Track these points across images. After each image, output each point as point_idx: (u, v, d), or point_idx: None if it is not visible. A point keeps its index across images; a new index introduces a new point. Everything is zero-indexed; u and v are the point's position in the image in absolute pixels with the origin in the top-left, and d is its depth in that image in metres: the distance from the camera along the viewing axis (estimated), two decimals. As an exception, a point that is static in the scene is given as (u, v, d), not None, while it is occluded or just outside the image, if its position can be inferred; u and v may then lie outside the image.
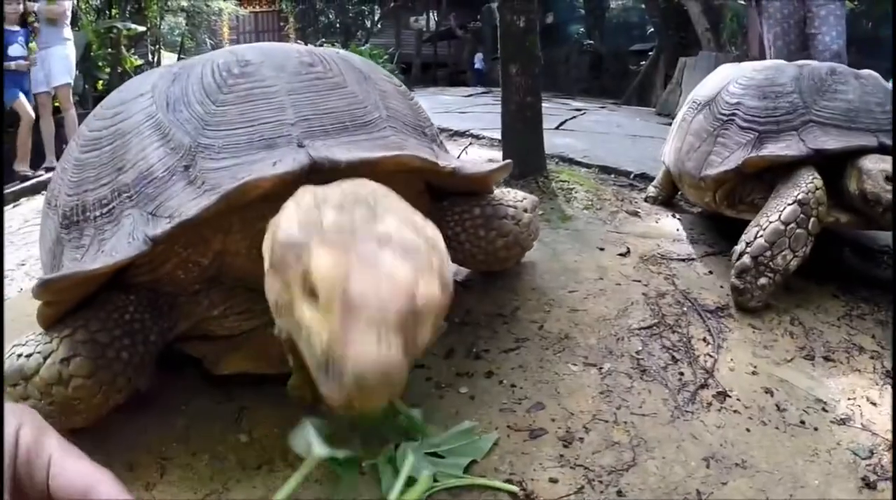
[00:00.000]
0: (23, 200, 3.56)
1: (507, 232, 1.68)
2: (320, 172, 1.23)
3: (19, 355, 1.22)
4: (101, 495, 0.47)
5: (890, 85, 2.17)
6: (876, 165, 1.87)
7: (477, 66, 17.03)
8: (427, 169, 1.44)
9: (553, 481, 1.26)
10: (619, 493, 1.25)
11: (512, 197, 1.75)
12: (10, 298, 2.34)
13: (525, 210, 1.72)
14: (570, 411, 1.45)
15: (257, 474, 1.31)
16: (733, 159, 2.07)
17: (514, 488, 1.24)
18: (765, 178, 2.08)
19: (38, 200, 3.34)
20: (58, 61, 5.68)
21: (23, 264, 2.70)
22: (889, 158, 1.89)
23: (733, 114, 2.18)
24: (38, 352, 1.22)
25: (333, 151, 1.28)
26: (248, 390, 1.50)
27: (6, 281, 2.50)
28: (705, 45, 7.01)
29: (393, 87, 1.66)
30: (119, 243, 1.23)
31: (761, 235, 1.83)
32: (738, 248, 1.88)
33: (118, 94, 1.54)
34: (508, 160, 1.75)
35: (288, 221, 0.92)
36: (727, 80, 2.34)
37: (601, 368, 1.59)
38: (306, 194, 1.00)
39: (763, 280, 1.83)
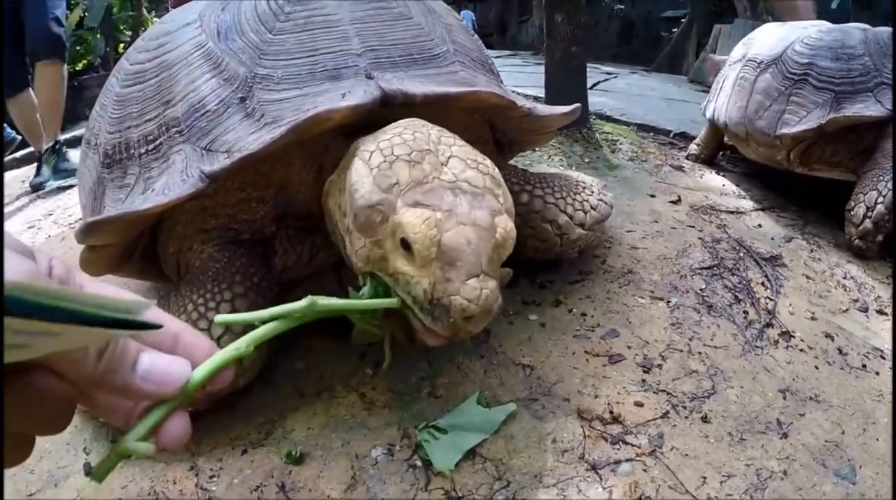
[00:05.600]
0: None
1: (545, 239, 1.46)
2: (391, 106, 1.12)
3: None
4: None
5: None
6: None
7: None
8: (504, 107, 1.31)
9: (639, 405, 1.24)
10: (704, 419, 1.23)
11: (580, 199, 1.52)
12: (37, 244, 2.23)
13: (581, 225, 1.49)
14: (644, 339, 1.43)
15: (318, 400, 1.25)
16: (813, 118, 2.15)
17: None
18: (846, 138, 2.17)
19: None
20: None
21: (50, 214, 2.57)
22: None
23: (806, 74, 2.23)
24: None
25: (406, 84, 1.16)
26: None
27: (33, 230, 2.39)
28: (741, 14, 6.75)
29: (456, 20, 1.54)
30: (171, 181, 1.12)
31: (881, 202, 1.96)
32: (859, 211, 2.00)
33: (161, 25, 1.40)
34: (577, 104, 1.54)
35: (363, 185, 0.92)
36: (787, 40, 2.36)
37: (668, 302, 1.57)
38: (371, 150, 0.95)
39: (880, 237, 2.00)
